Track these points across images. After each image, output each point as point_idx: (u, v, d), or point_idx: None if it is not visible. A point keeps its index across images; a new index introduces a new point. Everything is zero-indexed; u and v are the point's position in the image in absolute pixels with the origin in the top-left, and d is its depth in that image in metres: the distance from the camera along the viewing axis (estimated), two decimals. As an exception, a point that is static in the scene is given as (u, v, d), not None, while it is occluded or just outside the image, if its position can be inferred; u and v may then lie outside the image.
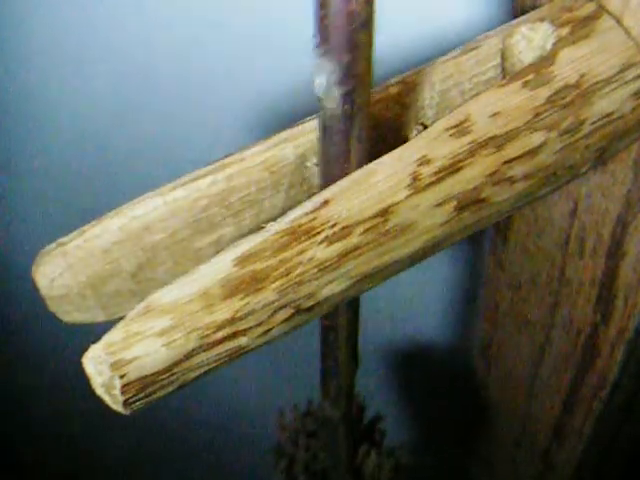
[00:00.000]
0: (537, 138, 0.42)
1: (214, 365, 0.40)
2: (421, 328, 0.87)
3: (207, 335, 0.38)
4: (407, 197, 0.40)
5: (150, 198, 0.41)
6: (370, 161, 0.39)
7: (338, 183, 0.40)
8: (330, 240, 0.39)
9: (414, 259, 0.42)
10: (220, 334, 0.38)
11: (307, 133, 0.42)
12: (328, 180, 0.39)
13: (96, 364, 0.37)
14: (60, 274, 0.41)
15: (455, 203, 0.41)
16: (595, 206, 0.54)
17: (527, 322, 0.70)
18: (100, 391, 0.38)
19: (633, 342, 0.58)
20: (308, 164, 0.43)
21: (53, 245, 0.42)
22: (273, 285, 0.38)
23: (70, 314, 0.44)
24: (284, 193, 0.43)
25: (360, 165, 0.39)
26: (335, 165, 0.38)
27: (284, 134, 0.42)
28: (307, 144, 0.42)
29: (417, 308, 0.84)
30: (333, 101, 0.35)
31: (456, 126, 0.41)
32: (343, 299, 0.42)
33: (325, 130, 0.37)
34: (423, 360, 0.89)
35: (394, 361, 0.89)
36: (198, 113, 0.74)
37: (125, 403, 0.38)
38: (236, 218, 0.42)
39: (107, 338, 0.37)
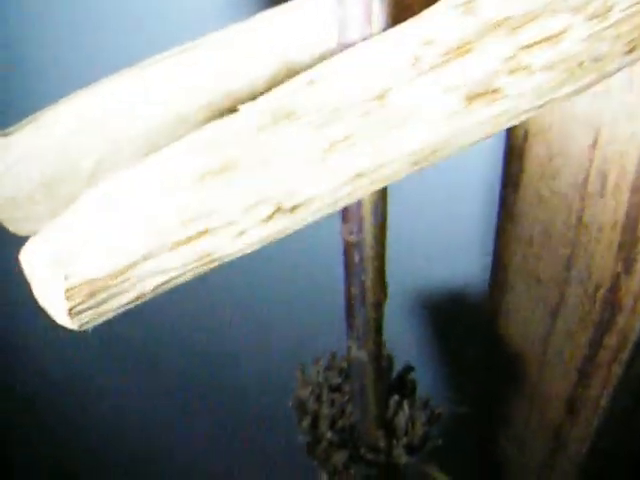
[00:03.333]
0: (559, 22, 0.36)
1: (178, 274, 0.34)
2: (451, 276, 0.80)
3: (169, 232, 0.32)
4: (409, 80, 0.34)
5: (110, 81, 0.35)
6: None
7: (327, 61, 0.34)
8: (315, 125, 0.33)
9: (417, 159, 0.36)
10: (185, 232, 0.32)
11: (295, 9, 0.36)
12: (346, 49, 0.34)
13: (35, 263, 0.31)
14: (8, 169, 0.36)
15: (465, 91, 0.35)
16: (619, 133, 0.48)
17: (539, 281, 0.64)
18: (41, 298, 0.32)
19: (660, 291, 0.52)
20: (291, 54, 0.37)
21: (-1, 134, 0.36)
22: (247, 175, 0.33)
23: (18, 223, 0.38)
24: (264, 84, 0.37)
25: (383, 29, 0.33)
26: (354, 30, 0.33)
27: (268, 13, 0.37)
28: (293, 25, 0.36)
29: (448, 253, 0.76)
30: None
31: (465, 4, 0.36)
32: (333, 206, 0.36)
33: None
34: (451, 311, 0.81)
35: (421, 311, 0.82)
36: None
37: (71, 312, 0.32)
38: (209, 110, 0.37)
39: (49, 231, 0.31)
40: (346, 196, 0.36)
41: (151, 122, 0.36)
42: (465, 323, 0.78)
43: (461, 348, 0.80)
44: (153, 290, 0.34)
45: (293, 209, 0.34)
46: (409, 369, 0.61)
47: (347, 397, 0.59)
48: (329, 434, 0.58)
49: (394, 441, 0.58)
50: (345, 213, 0.43)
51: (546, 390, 0.70)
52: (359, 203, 0.42)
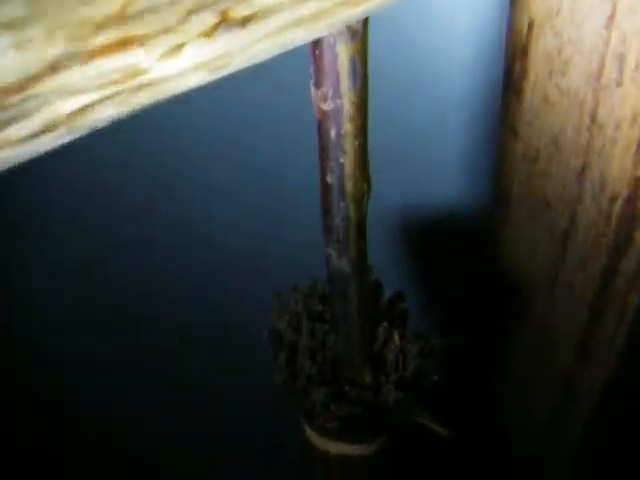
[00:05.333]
0: None
1: (95, 98, 0.27)
2: (438, 193, 0.71)
3: (81, 36, 0.25)
4: None
5: None
6: None
7: None
8: None
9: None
10: (102, 38, 0.26)
11: None
12: None
13: None
14: None
15: None
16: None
17: (547, 204, 0.57)
18: None
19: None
20: None
21: None
22: (184, -32, 0.26)
23: None
24: None
25: None
26: None
27: None
28: None
29: (434, 169, 0.68)
30: None
31: None
32: (294, 28, 0.29)
33: None
34: (446, 236, 0.73)
35: (411, 234, 0.73)
36: None
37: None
38: None
39: None
40: (311, 16, 0.29)
41: None
42: (462, 251, 0.70)
43: (458, 281, 0.72)
44: (67, 120, 0.27)
45: (244, 21, 0.27)
46: (400, 296, 0.54)
47: (329, 326, 0.52)
48: (307, 367, 0.51)
49: (382, 376, 0.51)
50: (318, 74, 0.36)
51: (554, 331, 0.63)
52: (334, 59, 0.35)
